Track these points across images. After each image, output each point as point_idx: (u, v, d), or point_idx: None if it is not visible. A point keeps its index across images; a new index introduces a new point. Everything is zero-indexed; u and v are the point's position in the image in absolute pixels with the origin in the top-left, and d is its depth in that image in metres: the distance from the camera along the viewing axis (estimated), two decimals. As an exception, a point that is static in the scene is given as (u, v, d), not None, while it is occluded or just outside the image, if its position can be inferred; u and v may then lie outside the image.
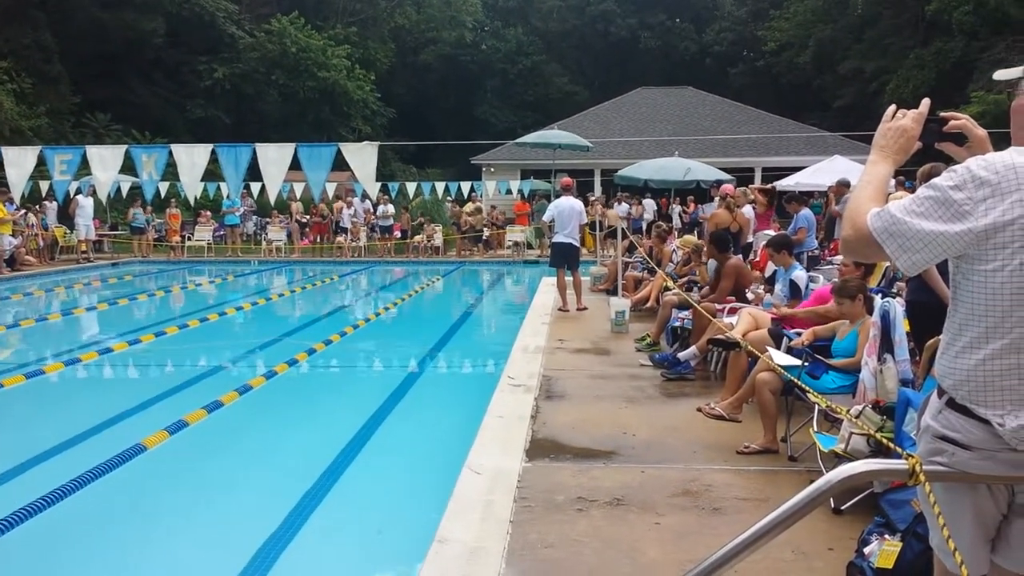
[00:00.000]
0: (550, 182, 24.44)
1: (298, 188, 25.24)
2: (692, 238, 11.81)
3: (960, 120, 2.30)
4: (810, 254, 10.77)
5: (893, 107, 2.32)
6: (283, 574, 4.21)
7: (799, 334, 6.07)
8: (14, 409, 7.90)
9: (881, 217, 2.06)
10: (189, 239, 25.04)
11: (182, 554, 4.62)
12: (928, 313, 4.79)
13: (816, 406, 4.94)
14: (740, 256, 9.77)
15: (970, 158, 2.07)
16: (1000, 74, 2.45)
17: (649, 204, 25.85)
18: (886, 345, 4.80)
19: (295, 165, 13.64)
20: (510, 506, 4.50)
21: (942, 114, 2.31)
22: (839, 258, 8.37)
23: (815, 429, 4.97)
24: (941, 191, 2.02)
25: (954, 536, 1.99)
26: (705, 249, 9.66)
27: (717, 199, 13.14)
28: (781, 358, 5.55)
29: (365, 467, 5.95)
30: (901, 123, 2.26)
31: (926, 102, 2.31)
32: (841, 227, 2.25)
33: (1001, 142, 2.20)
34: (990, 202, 1.97)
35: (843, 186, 12.49)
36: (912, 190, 7.39)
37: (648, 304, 11.23)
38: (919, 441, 2.23)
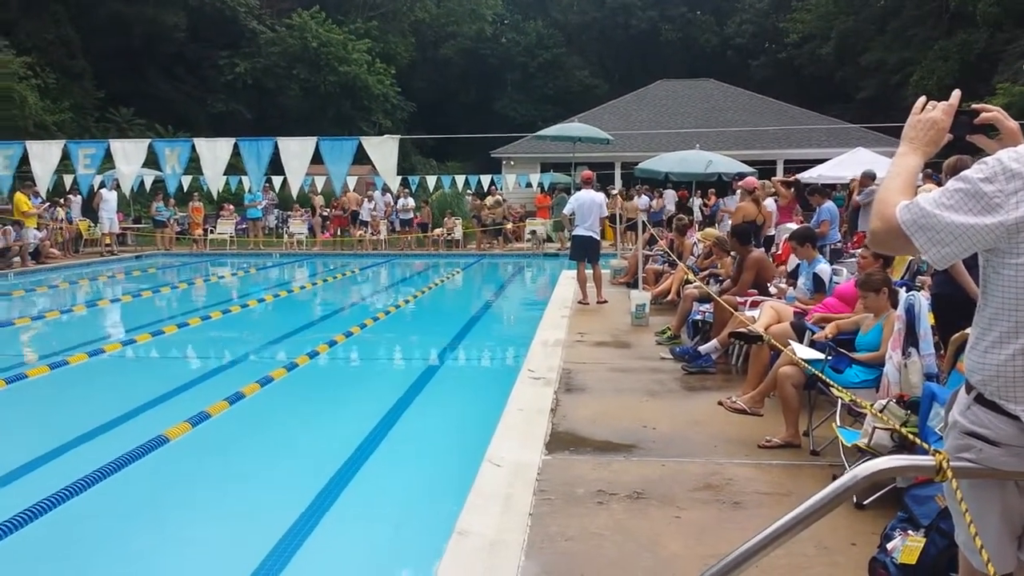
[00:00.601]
0: (570, 175, 24.39)
1: (319, 182, 25.33)
2: (713, 231, 11.74)
3: (992, 112, 2.26)
4: (833, 247, 10.69)
5: (923, 99, 2.28)
6: (303, 565, 4.24)
7: (822, 327, 6.02)
8: (39, 400, 7.99)
9: (910, 210, 2.03)
10: (211, 232, 25.21)
11: (203, 545, 4.65)
12: (954, 307, 4.74)
13: (839, 400, 4.90)
14: (762, 249, 9.71)
15: (1001, 150, 2.04)
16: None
17: (670, 195, 25.72)
18: (911, 339, 4.75)
19: (316, 159, 13.68)
20: (530, 499, 4.50)
21: (974, 106, 2.27)
22: (860, 250, 8.29)
23: (838, 423, 4.93)
24: (971, 183, 1.98)
25: (981, 533, 1.96)
26: (728, 242, 9.60)
27: (739, 192, 13.03)
28: (804, 352, 5.50)
29: (385, 459, 5.97)
30: (931, 115, 2.22)
31: (956, 94, 2.27)
32: (869, 219, 2.22)
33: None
34: (1022, 194, 1.94)
35: (868, 178, 12.37)
36: (939, 183, 7.32)
37: (669, 297, 11.18)
38: (946, 437, 2.20)
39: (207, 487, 5.56)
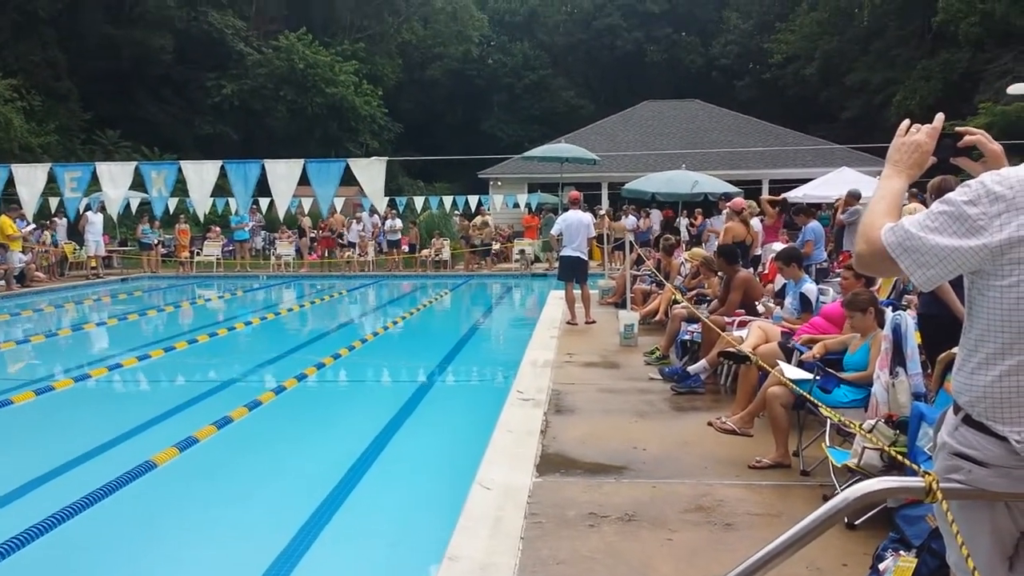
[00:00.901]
0: (557, 195, 24.47)
1: (307, 203, 25.34)
2: (701, 251, 11.79)
3: (975, 135, 2.29)
4: (819, 266, 10.74)
5: (907, 122, 2.31)
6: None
7: (810, 347, 6.04)
8: (24, 425, 7.91)
9: (895, 232, 2.05)
10: (198, 254, 25.13)
11: (192, 572, 4.61)
12: (940, 326, 4.77)
13: (828, 420, 4.91)
14: (750, 269, 9.75)
15: (984, 173, 2.06)
16: (1014, 88, 2.45)
17: (655, 215, 25.85)
18: (898, 358, 4.77)
19: (303, 180, 13.70)
20: (521, 522, 4.48)
21: (957, 129, 2.30)
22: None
23: (827, 443, 4.94)
24: (955, 206, 2.01)
25: (972, 554, 1.96)
26: (716, 262, 9.62)
27: (725, 212, 13.06)
28: (792, 372, 5.52)
29: (374, 483, 5.94)
30: (915, 138, 2.25)
31: (940, 117, 2.30)
32: (854, 240, 2.25)
33: (1009, 153, 2.20)
34: (1005, 217, 1.96)
35: (853, 197, 12.44)
36: (924, 201, 7.36)
37: (657, 317, 11.20)
38: (935, 458, 2.21)
39: (197, 512, 5.51)
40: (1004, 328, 2.00)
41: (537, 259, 24.70)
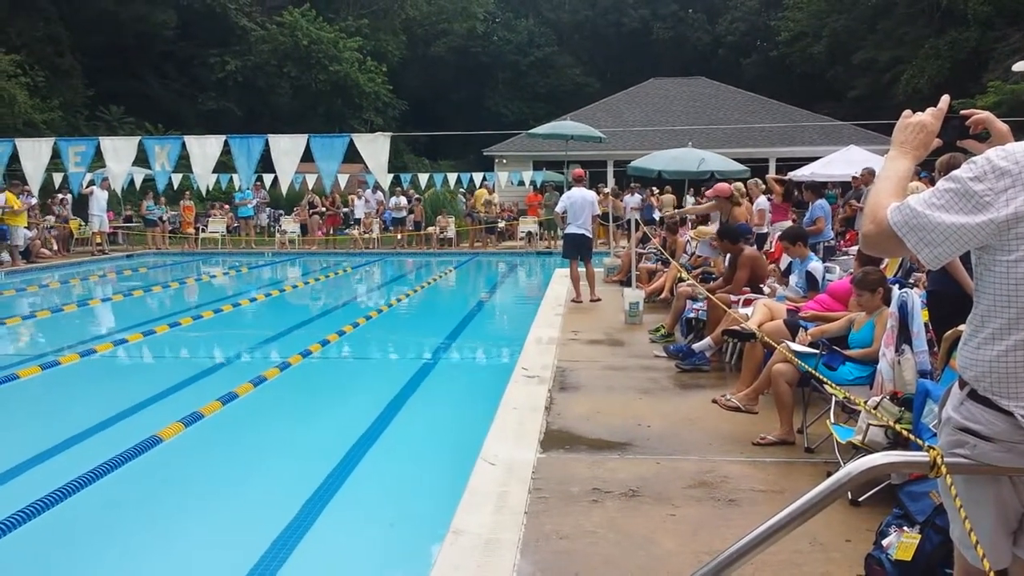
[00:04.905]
0: (562, 173, 24.38)
1: (310, 180, 25.27)
2: (706, 229, 11.74)
3: (981, 115, 2.28)
4: (826, 244, 10.69)
5: (908, 111, 2.30)
6: (298, 566, 4.22)
7: (816, 324, 6.03)
8: (30, 400, 7.95)
9: (901, 211, 2.04)
10: (203, 231, 25.13)
11: (196, 546, 4.63)
12: (950, 303, 4.73)
13: (833, 397, 4.91)
14: (755, 246, 9.71)
15: (989, 149, 2.05)
16: (1019, 66, 2.43)
17: (668, 199, 25.46)
18: (904, 336, 4.77)
19: (307, 156, 13.66)
20: (525, 497, 4.49)
21: (963, 112, 2.29)
22: (856, 248, 8.29)
23: (832, 420, 4.94)
24: (961, 183, 2.00)
25: (976, 529, 1.97)
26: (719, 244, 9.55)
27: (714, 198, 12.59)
28: (799, 348, 5.51)
29: (379, 459, 5.96)
30: (920, 119, 2.24)
31: (945, 98, 2.29)
32: (862, 222, 2.24)
33: (1017, 131, 2.18)
34: (1011, 192, 1.95)
35: (870, 174, 12.32)
36: (928, 180, 7.29)
37: (662, 295, 11.20)
38: (940, 433, 2.21)
39: (202, 487, 5.54)
40: (1010, 303, 2.00)
41: (540, 237, 24.69)
